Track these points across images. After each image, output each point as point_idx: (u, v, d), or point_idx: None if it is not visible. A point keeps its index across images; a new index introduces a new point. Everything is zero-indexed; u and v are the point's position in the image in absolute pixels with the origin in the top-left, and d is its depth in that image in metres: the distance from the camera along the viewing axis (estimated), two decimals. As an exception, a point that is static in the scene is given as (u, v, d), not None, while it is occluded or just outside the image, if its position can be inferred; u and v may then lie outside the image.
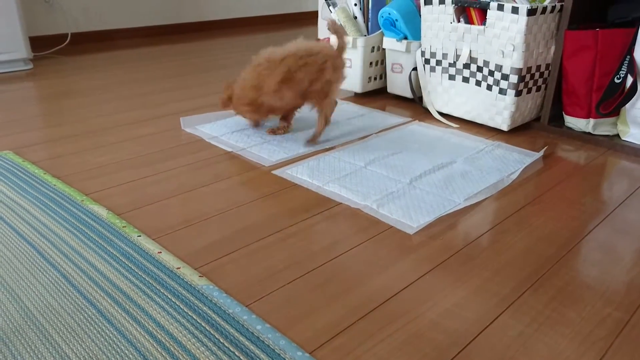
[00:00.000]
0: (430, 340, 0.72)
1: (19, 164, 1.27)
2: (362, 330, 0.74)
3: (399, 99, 1.89)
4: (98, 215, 1.03)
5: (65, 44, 2.70)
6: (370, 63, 1.86)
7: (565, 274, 0.88)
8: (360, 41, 1.79)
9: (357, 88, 1.89)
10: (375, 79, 1.91)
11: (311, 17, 3.88)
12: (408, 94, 1.81)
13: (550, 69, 1.54)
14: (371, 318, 0.76)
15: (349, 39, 1.78)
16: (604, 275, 0.87)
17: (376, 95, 1.93)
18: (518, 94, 1.47)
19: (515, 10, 1.38)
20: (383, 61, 1.89)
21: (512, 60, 1.43)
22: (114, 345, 0.69)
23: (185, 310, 0.76)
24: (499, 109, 1.52)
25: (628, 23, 1.42)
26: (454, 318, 0.76)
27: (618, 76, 1.38)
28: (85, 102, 1.82)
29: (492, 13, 1.44)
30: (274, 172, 1.25)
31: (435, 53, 1.63)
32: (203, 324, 0.73)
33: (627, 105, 1.40)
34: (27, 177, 1.20)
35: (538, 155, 1.37)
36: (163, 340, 0.70)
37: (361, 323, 0.75)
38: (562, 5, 1.44)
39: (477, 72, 1.54)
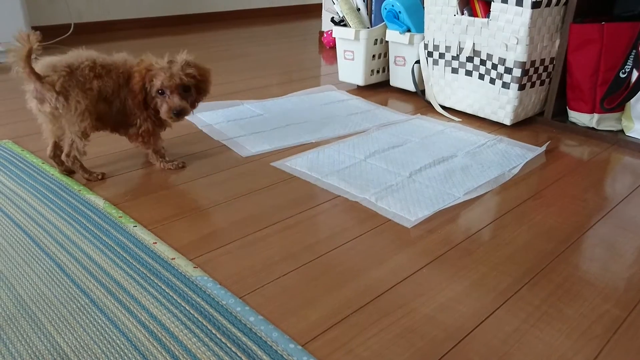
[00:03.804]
0: (424, 335, 0.71)
1: (18, 153, 1.27)
2: (356, 323, 0.73)
3: (401, 92, 1.87)
4: (95, 205, 1.03)
5: (68, 34, 2.69)
6: (373, 56, 1.84)
7: (564, 269, 0.86)
8: (363, 33, 1.77)
9: (360, 81, 1.87)
10: (377, 71, 1.89)
11: (315, 10, 3.86)
12: (411, 87, 1.80)
13: (554, 62, 1.52)
14: (366, 311, 0.75)
15: (351, 31, 1.77)
16: (603, 272, 0.86)
17: (378, 88, 1.92)
18: (521, 88, 1.45)
19: (519, 2, 1.36)
20: (386, 54, 1.88)
21: (516, 53, 1.41)
22: (106, 335, 0.69)
23: (179, 301, 0.75)
24: (501, 103, 1.50)
25: (634, 17, 1.40)
26: (449, 312, 0.76)
27: (623, 71, 1.36)
28: (86, 93, 1.81)
29: (496, 5, 1.42)
30: (272, 163, 1.24)
31: (438, 46, 1.61)
32: (196, 315, 0.73)
33: (632, 101, 1.38)
34: (26, 166, 1.20)
35: (540, 150, 1.35)
36: (155, 331, 0.69)
37: (355, 316, 0.74)
38: (567, -2, 1.42)
39: (480, 66, 1.52)
